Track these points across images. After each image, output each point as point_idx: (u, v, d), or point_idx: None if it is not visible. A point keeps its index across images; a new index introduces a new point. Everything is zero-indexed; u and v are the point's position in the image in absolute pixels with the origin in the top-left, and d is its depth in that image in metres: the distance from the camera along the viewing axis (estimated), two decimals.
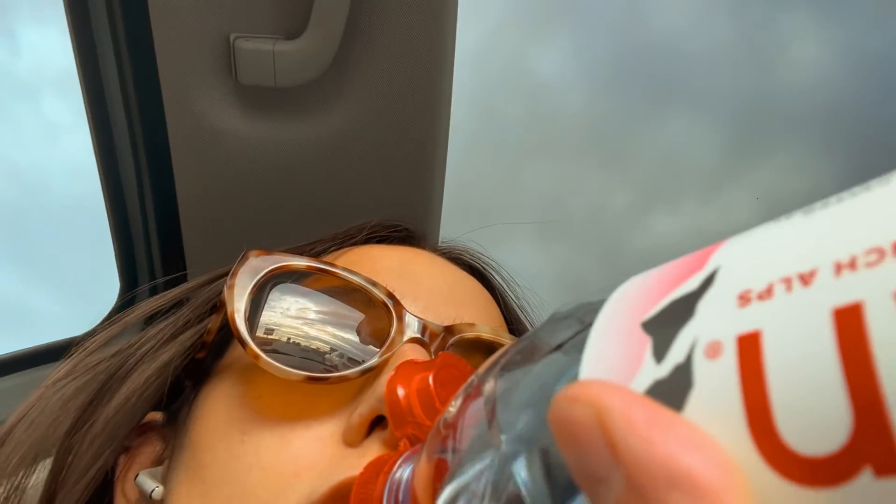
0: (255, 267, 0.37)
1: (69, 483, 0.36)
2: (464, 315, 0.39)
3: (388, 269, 0.39)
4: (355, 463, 0.30)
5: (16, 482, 0.37)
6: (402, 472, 0.24)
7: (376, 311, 0.37)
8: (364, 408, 0.32)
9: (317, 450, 0.32)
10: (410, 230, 0.50)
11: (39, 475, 0.37)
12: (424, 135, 0.65)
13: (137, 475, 0.38)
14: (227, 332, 0.40)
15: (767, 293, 0.13)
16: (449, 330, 0.37)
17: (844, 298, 0.11)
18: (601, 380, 0.15)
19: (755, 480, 0.12)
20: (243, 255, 0.37)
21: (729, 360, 0.12)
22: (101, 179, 0.71)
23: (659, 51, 2.22)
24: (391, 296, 0.36)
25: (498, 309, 0.45)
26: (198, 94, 0.58)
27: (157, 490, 0.37)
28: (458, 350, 0.38)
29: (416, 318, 0.36)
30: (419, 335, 0.36)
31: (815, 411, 0.11)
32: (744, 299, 0.13)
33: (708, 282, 0.14)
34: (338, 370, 0.35)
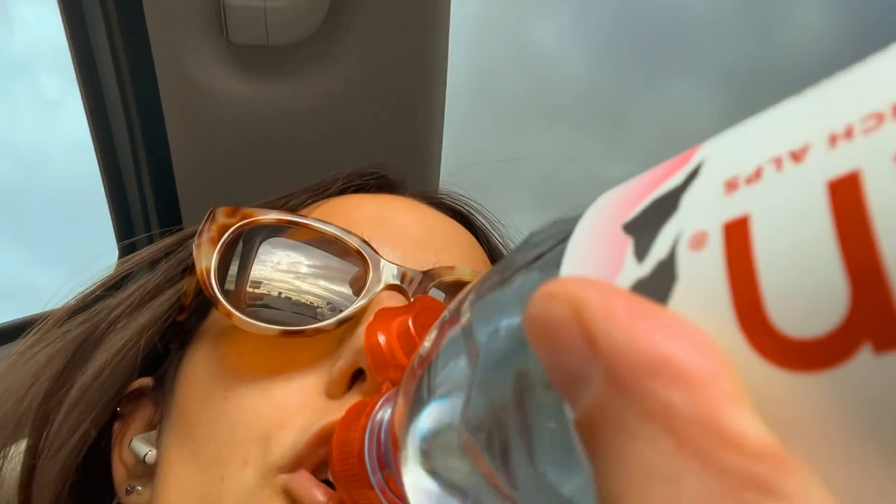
0: (223, 224, 0.36)
1: (50, 451, 0.36)
2: (444, 259, 0.39)
3: (363, 218, 0.39)
4: (339, 411, 0.30)
5: None
6: (383, 414, 0.24)
7: (352, 261, 0.36)
8: (343, 361, 0.32)
9: (300, 401, 0.33)
10: (387, 176, 0.49)
11: (19, 446, 0.37)
12: (420, 94, 0.64)
13: (132, 441, 0.38)
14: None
15: (756, 176, 0.12)
16: (427, 275, 0.36)
17: (840, 169, 0.10)
18: (576, 277, 0.14)
19: (745, 369, 0.11)
20: (210, 213, 0.37)
21: (714, 248, 0.12)
22: (94, 145, 0.70)
23: (659, 18, 2.19)
24: (366, 243, 0.36)
25: (482, 250, 0.44)
26: (189, 55, 0.57)
27: (150, 454, 0.37)
28: (439, 294, 0.37)
29: (393, 265, 0.35)
30: (396, 282, 0.35)
31: (808, 291, 0.10)
32: (731, 186, 0.12)
33: (692, 175, 0.13)
34: (315, 322, 0.35)
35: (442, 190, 0.49)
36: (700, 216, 0.12)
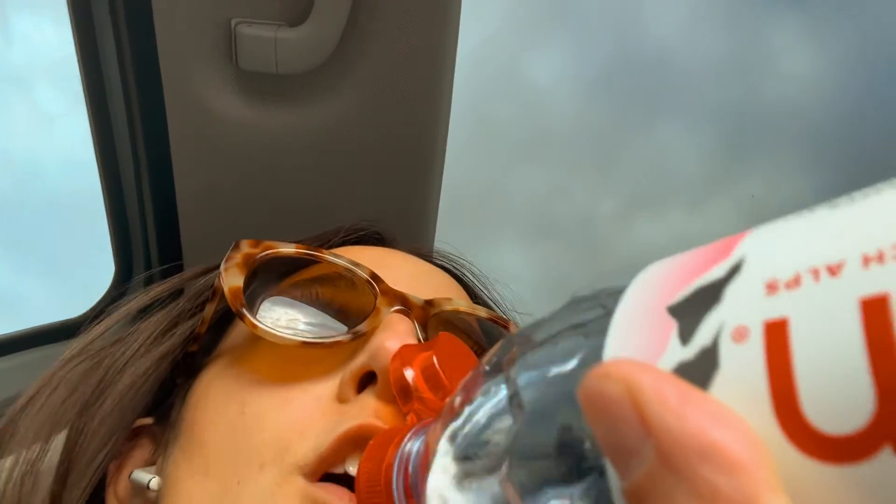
0: (248, 253, 0.39)
1: (81, 464, 0.37)
2: (440, 295, 0.41)
3: (367, 260, 0.41)
4: (356, 415, 0.32)
5: (31, 458, 0.37)
6: (412, 446, 0.25)
7: (361, 291, 0.39)
8: (355, 364, 0.34)
9: (316, 408, 0.34)
10: (381, 233, 0.53)
11: (52, 458, 0.38)
12: (424, 127, 0.66)
13: (131, 474, 0.39)
14: (218, 327, 0.42)
15: (795, 282, 0.13)
16: (429, 303, 0.39)
17: (872, 289, 0.12)
18: (631, 359, 0.15)
19: (779, 457, 0.12)
20: (236, 244, 0.39)
21: (756, 343, 0.13)
22: (98, 163, 0.70)
23: (651, 61, 2.25)
24: (374, 275, 0.39)
25: (470, 300, 0.47)
26: (197, 78, 0.58)
27: (155, 480, 0.38)
28: (438, 324, 0.39)
29: (398, 293, 0.38)
30: (402, 307, 0.38)
31: (839, 393, 0.11)
32: (771, 288, 0.13)
33: (735, 270, 0.14)
34: (327, 337, 0.37)
35: (430, 248, 0.54)
36: (743, 311, 0.14)
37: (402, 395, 0.30)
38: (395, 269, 0.42)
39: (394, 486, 0.25)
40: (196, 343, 0.41)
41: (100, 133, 0.67)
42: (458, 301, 0.41)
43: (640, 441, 0.13)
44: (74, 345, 0.42)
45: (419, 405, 0.30)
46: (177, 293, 0.45)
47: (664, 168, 2.34)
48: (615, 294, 0.17)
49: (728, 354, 0.13)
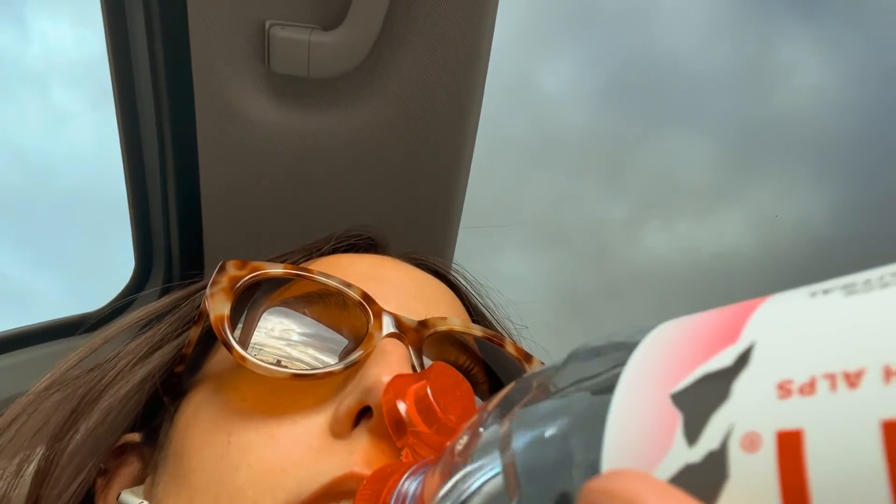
0: (234, 276, 0.38)
1: (52, 496, 0.36)
2: (433, 311, 0.40)
3: (359, 274, 0.40)
4: (344, 459, 0.31)
5: (7, 476, 0.37)
6: (410, 486, 0.25)
7: (352, 312, 0.38)
8: (351, 399, 0.33)
9: (305, 443, 0.33)
10: (374, 238, 0.52)
11: (21, 489, 0.37)
12: (452, 137, 0.65)
13: (119, 495, 0.38)
14: (205, 345, 0.41)
15: (810, 388, 0.12)
16: (423, 324, 0.38)
17: (894, 409, 0.11)
18: (634, 471, 0.14)
19: None
20: (221, 265, 0.38)
21: (768, 455, 0.12)
22: (123, 158, 0.70)
23: (661, 71, 2.26)
24: (366, 296, 0.37)
25: (464, 309, 0.47)
26: (228, 78, 0.58)
27: None
28: (433, 344, 0.39)
29: (391, 315, 0.37)
30: (396, 330, 0.36)
31: None
32: (784, 390, 0.13)
33: (743, 360, 0.14)
34: (319, 366, 0.36)
35: (423, 253, 0.52)
36: (753, 415, 0.13)
37: (395, 429, 0.30)
38: (388, 283, 0.41)
39: None
40: (182, 364, 0.41)
41: (127, 127, 0.67)
42: (453, 320, 0.40)
43: None
44: (48, 375, 0.40)
45: (414, 439, 0.29)
46: (161, 316, 0.44)
47: (673, 177, 2.35)
48: (618, 360, 0.16)
49: (738, 463, 0.13)
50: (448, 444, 0.22)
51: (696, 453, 0.13)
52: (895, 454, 0.11)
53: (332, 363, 0.36)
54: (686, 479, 0.13)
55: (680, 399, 0.14)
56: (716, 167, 2.34)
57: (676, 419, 0.14)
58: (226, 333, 0.36)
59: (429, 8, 0.57)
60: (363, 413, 0.33)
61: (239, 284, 0.37)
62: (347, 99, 0.62)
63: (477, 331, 0.40)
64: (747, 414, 0.13)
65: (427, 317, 0.39)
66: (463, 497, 0.19)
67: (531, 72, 2.29)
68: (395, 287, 0.41)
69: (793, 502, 0.12)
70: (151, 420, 0.41)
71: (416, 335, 0.37)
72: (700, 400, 0.14)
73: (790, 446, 0.12)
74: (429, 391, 0.30)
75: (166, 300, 0.44)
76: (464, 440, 0.21)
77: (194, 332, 0.40)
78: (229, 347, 0.35)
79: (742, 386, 0.13)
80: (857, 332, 0.13)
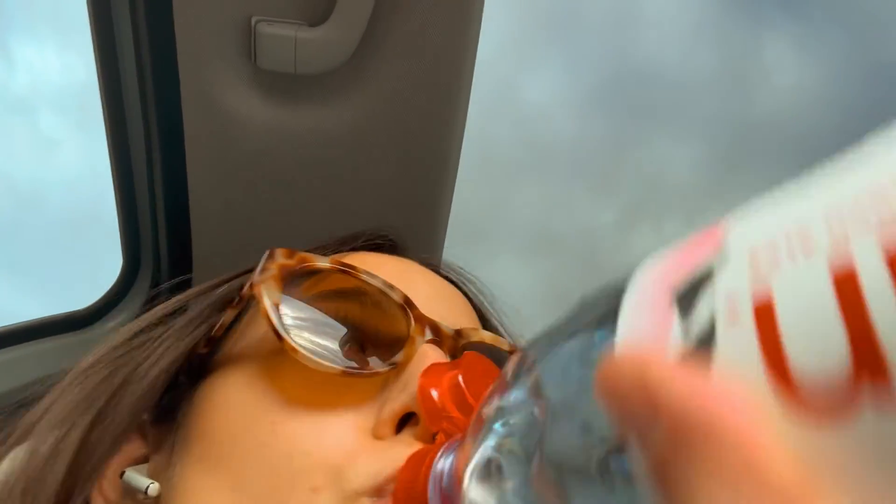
0: (283, 264, 0.38)
1: (87, 469, 0.36)
2: (459, 319, 0.41)
3: (388, 274, 0.40)
4: (394, 458, 0.31)
5: (45, 452, 0.36)
6: (444, 463, 0.25)
7: (391, 313, 0.38)
8: (396, 404, 0.33)
9: (356, 438, 0.33)
10: (395, 241, 0.52)
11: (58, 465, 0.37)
12: (439, 135, 0.65)
13: (123, 473, 0.38)
14: (231, 327, 0.41)
15: (775, 264, 0.14)
16: (459, 333, 0.38)
17: (840, 261, 0.13)
18: (640, 343, 0.16)
19: (779, 424, 0.13)
20: (270, 253, 0.38)
21: (747, 325, 0.14)
22: (109, 154, 0.69)
23: (646, 76, 2.29)
24: (407, 300, 0.38)
25: (476, 317, 0.47)
26: (214, 74, 0.58)
27: (153, 486, 0.37)
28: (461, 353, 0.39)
29: (431, 321, 0.37)
30: (435, 337, 0.37)
31: (821, 353, 0.13)
32: (756, 271, 0.15)
33: (722, 256, 0.16)
34: (361, 366, 0.36)
35: (440, 260, 0.52)
36: (733, 295, 0.15)
37: (430, 416, 0.31)
38: (417, 288, 0.41)
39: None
40: (209, 345, 0.40)
41: (113, 125, 0.67)
42: (484, 332, 0.40)
43: (653, 420, 0.14)
44: (93, 353, 0.40)
45: (447, 424, 0.30)
46: (205, 294, 0.44)
47: (660, 180, 2.37)
48: (620, 285, 0.18)
49: (724, 336, 0.15)
50: (474, 414, 0.23)
51: (691, 335, 0.15)
52: (844, 299, 0.13)
53: (373, 362, 0.36)
54: (684, 356, 0.15)
55: (674, 296, 0.16)
56: (702, 168, 2.37)
57: (672, 312, 0.16)
58: (277, 322, 0.35)
59: (415, 5, 0.57)
60: (406, 419, 0.34)
61: (289, 273, 0.37)
62: (334, 96, 0.62)
63: (505, 345, 0.41)
64: (728, 295, 0.15)
65: (455, 324, 0.39)
66: (494, 444, 0.20)
67: (517, 80, 2.31)
68: (423, 293, 0.41)
69: (772, 358, 0.14)
70: (162, 399, 0.40)
71: (453, 343, 0.38)
72: (689, 294, 0.16)
73: (764, 315, 0.14)
74: (461, 379, 0.31)
75: (206, 285, 0.44)
76: (488, 406, 0.22)
77: (230, 315, 0.40)
78: (280, 337, 0.35)
79: (722, 275, 0.15)
80: (805, 199, 0.15)
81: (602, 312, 0.19)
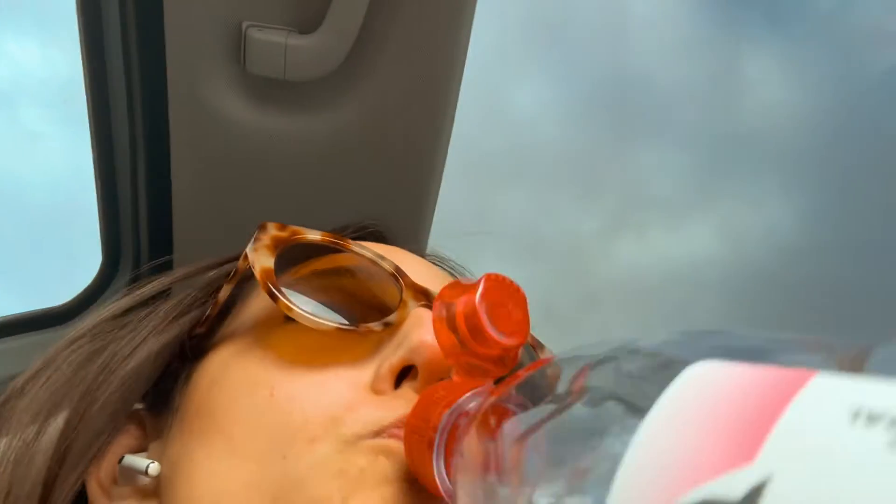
0: (276, 235, 0.38)
1: (79, 447, 0.36)
2: None
3: (384, 253, 0.40)
4: (400, 406, 0.31)
5: (27, 440, 0.36)
6: (463, 404, 0.25)
7: (383, 284, 0.38)
8: (395, 358, 0.33)
9: (356, 394, 0.33)
10: (381, 231, 0.53)
11: (47, 441, 0.36)
12: (425, 142, 0.65)
13: (122, 459, 0.38)
14: (227, 307, 0.41)
15: None
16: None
17: None
18: None
19: None
20: (261, 226, 0.39)
21: None
22: (93, 154, 0.69)
23: (632, 87, 2.31)
24: (398, 268, 0.38)
25: None
26: (202, 76, 0.58)
27: (153, 466, 0.36)
28: None
29: (422, 287, 0.38)
30: (427, 302, 0.37)
31: None
32: None
33: (755, 495, 0.12)
34: (355, 325, 0.36)
35: (430, 251, 0.53)
36: None
37: (444, 347, 0.30)
38: (410, 265, 0.41)
39: (439, 429, 0.25)
40: (203, 325, 0.41)
41: (97, 124, 0.66)
42: None
43: None
44: (81, 326, 0.40)
45: (467, 358, 0.29)
46: (192, 278, 0.44)
47: (645, 190, 2.39)
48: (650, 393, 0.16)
49: None
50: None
51: None
52: None
53: (368, 323, 0.36)
54: None
55: None
56: (686, 179, 2.39)
57: None
58: (273, 284, 0.36)
59: (406, 15, 0.57)
60: (404, 374, 0.34)
61: (281, 243, 0.38)
62: (322, 103, 0.62)
63: None
64: None
65: None
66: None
67: (505, 88, 2.33)
68: (413, 268, 0.41)
69: None
70: (156, 387, 0.40)
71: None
72: None
73: None
74: (477, 302, 0.29)
75: (198, 265, 0.44)
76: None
77: (224, 292, 0.40)
78: (274, 297, 0.35)
79: None
80: None
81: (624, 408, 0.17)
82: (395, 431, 0.31)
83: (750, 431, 0.13)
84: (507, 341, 0.29)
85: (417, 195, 0.70)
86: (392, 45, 0.59)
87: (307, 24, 0.56)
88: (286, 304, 0.35)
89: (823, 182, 2.23)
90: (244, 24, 0.55)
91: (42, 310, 0.73)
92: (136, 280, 0.74)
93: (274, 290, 0.36)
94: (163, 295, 0.44)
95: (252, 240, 0.38)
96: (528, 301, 0.31)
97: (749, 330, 0.18)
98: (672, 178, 2.40)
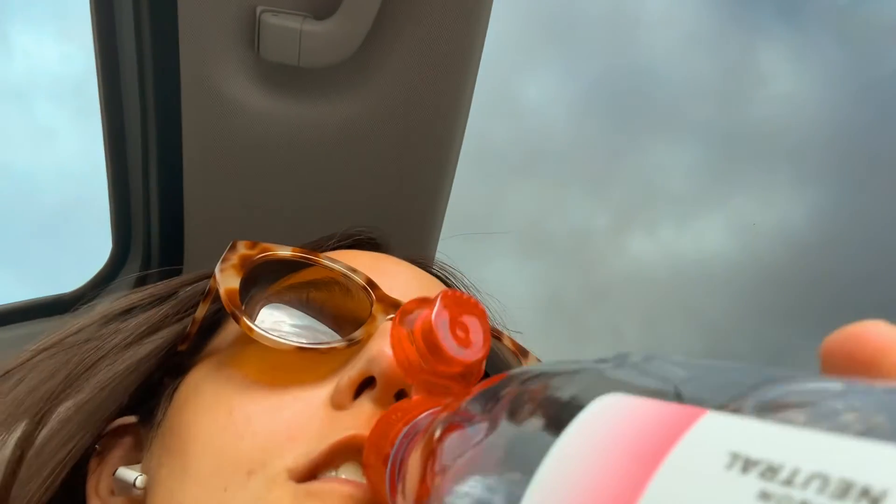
0: (244, 255, 0.38)
1: (42, 456, 0.36)
2: None
3: (362, 265, 0.40)
4: (351, 423, 0.32)
5: None
6: (422, 423, 0.25)
7: (356, 297, 0.38)
8: (354, 371, 0.33)
9: (309, 414, 0.33)
10: (377, 238, 0.52)
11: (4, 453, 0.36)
12: (440, 132, 0.65)
13: (116, 471, 0.38)
14: (209, 326, 0.42)
15: None
16: None
17: None
18: None
19: None
20: (232, 244, 0.39)
21: None
22: (104, 141, 0.69)
23: (642, 81, 2.30)
24: (370, 281, 0.38)
25: None
26: (215, 62, 0.57)
27: (141, 478, 0.37)
28: None
29: (394, 300, 0.37)
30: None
31: None
32: None
33: None
34: (323, 343, 0.36)
35: (425, 257, 0.53)
36: None
37: (404, 366, 0.30)
38: (390, 275, 0.41)
39: (396, 444, 0.25)
40: (185, 342, 0.41)
41: (110, 110, 0.66)
42: None
43: None
44: (49, 336, 0.40)
45: (427, 377, 0.30)
46: (163, 298, 0.44)
47: (655, 185, 2.38)
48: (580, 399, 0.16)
49: None
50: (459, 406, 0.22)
51: None
52: None
53: (331, 338, 0.36)
54: None
55: None
56: (697, 174, 2.38)
57: None
58: (235, 305, 0.36)
59: (422, 3, 0.57)
60: (364, 386, 0.34)
61: (249, 262, 0.38)
62: (336, 90, 0.62)
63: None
64: None
65: None
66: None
67: (515, 83, 2.32)
68: (396, 280, 0.41)
69: None
70: (149, 401, 0.41)
71: None
72: None
73: None
74: (433, 318, 0.29)
75: (170, 283, 0.44)
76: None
77: (201, 311, 0.40)
78: (237, 318, 0.36)
79: None
80: None
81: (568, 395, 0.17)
82: (330, 476, 0.31)
83: (639, 470, 0.13)
84: (465, 356, 0.29)
85: (431, 185, 0.69)
86: (408, 32, 0.58)
87: (323, 10, 0.56)
88: (247, 325, 0.36)
89: (835, 177, 2.22)
90: (258, 9, 0.54)
91: (51, 297, 0.74)
92: (146, 267, 0.74)
93: (235, 310, 0.36)
94: (144, 306, 0.44)
95: (220, 259, 0.38)
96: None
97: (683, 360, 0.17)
98: (682, 173, 2.39)
